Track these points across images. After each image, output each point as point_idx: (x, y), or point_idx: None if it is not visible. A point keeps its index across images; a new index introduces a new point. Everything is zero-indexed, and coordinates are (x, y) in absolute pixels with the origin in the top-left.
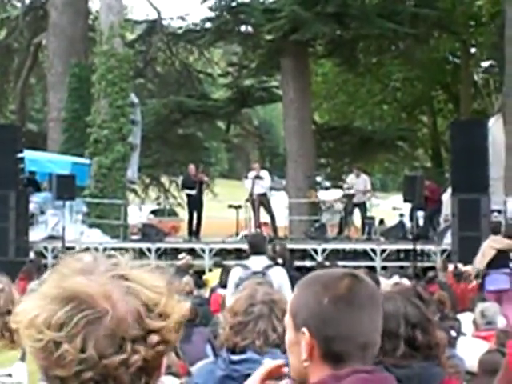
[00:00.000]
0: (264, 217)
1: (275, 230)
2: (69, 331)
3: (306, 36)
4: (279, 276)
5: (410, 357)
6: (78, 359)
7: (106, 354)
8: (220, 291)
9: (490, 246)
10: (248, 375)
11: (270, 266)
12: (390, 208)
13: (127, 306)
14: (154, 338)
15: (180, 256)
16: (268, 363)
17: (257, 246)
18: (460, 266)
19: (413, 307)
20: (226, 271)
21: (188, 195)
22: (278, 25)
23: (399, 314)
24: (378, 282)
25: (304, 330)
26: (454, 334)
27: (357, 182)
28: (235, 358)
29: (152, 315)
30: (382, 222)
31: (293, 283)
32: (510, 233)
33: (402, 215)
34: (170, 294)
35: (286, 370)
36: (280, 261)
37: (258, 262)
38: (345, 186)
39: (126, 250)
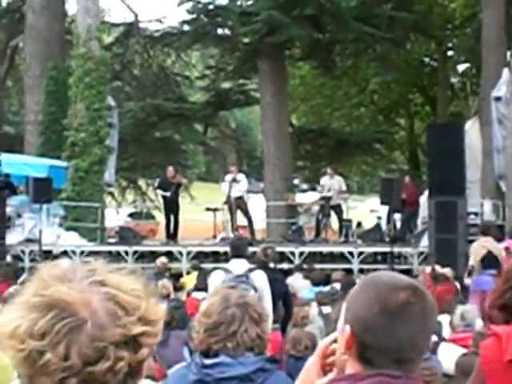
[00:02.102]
0: (241, 220)
1: (252, 232)
2: (51, 339)
3: (282, 39)
4: (260, 279)
5: None
6: (62, 367)
7: (90, 360)
8: (195, 294)
9: (481, 245)
10: (220, 379)
11: (251, 270)
12: (368, 210)
13: (107, 312)
14: (137, 343)
15: (158, 260)
16: (324, 341)
17: (239, 249)
18: (437, 267)
19: None
20: (202, 274)
21: (164, 197)
22: (255, 28)
23: None
24: (354, 285)
25: (347, 327)
26: (435, 338)
27: (331, 183)
28: (208, 361)
29: (132, 320)
30: (359, 224)
31: (283, 286)
32: (485, 231)
33: (379, 218)
34: (148, 297)
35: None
36: (272, 265)
37: (238, 266)
38: (318, 188)
39: (104, 253)
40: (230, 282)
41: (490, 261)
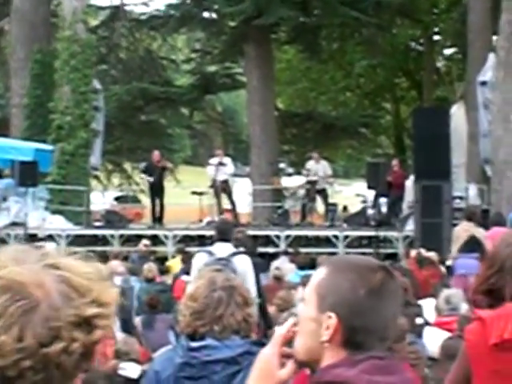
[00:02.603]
0: (227, 203)
1: (236, 216)
2: (5, 322)
3: (269, 20)
4: (243, 263)
5: None
6: (16, 349)
7: (45, 342)
8: (184, 278)
9: (463, 229)
10: (207, 362)
11: (235, 254)
12: (353, 195)
13: (60, 294)
14: (90, 325)
15: (141, 243)
16: (281, 329)
17: (224, 233)
18: (423, 251)
19: None
20: (189, 258)
21: (148, 181)
22: (242, 8)
23: None
24: None
25: (332, 314)
26: (420, 321)
27: (316, 168)
28: (194, 344)
29: (86, 302)
30: (345, 208)
31: (256, 270)
32: (470, 216)
33: (364, 202)
34: (101, 280)
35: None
36: (241, 249)
37: (223, 249)
38: (304, 172)
39: (90, 236)
40: (211, 264)
41: (472, 245)
